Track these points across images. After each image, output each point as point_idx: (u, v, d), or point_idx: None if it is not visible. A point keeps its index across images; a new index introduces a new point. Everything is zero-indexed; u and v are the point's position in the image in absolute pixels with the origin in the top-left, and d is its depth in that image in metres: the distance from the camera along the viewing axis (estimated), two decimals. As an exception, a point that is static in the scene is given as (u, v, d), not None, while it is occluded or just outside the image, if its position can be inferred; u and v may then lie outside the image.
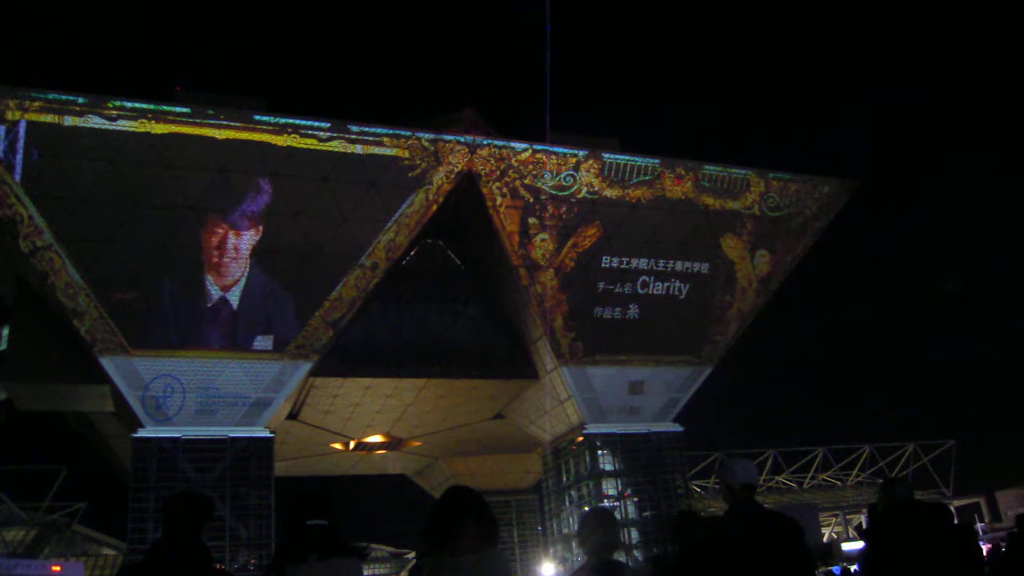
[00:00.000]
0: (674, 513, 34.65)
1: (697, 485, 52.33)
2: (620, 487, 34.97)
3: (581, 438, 35.37)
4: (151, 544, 4.88)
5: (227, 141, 28.50)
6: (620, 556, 5.01)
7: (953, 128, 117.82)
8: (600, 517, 5.11)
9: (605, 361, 34.06)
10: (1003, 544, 10.35)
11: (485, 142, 31.58)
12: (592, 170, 32.93)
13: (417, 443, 43.22)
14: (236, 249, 28.93)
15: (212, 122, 28.36)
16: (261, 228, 29.18)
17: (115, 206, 27.51)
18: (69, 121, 26.90)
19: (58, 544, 46.55)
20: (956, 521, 6.23)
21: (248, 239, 29.05)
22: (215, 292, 28.82)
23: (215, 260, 28.79)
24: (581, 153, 32.88)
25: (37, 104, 26.68)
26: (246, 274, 29.25)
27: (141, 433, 28.56)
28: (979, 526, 49.69)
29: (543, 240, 32.43)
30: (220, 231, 28.73)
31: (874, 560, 6.05)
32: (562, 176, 32.55)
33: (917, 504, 6.35)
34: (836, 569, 30.17)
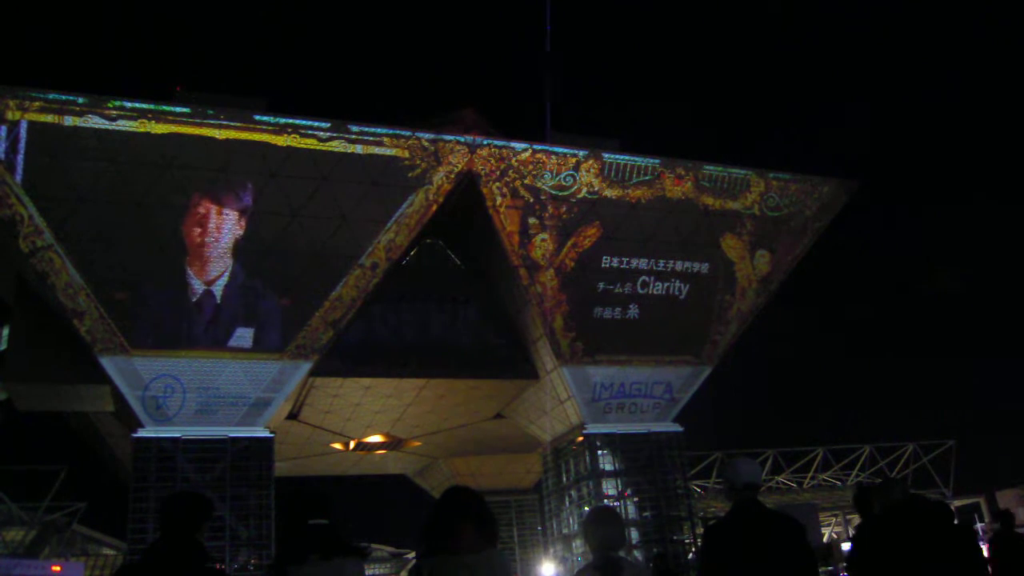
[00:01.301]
0: (674, 513, 34.71)
1: (697, 485, 52.29)
2: (620, 487, 34.91)
3: (581, 438, 35.33)
4: (149, 544, 4.87)
5: (227, 141, 28.47)
6: (623, 553, 5.01)
7: (953, 128, 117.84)
8: (601, 515, 5.13)
9: (605, 361, 34.04)
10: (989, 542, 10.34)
11: (485, 142, 31.55)
12: (592, 170, 32.91)
13: (417, 443, 43.22)
14: (217, 239, 28.81)
15: (212, 122, 28.32)
16: (244, 223, 29.09)
17: (115, 206, 27.48)
18: (69, 121, 26.86)
19: (58, 544, 46.50)
20: (956, 521, 6.22)
21: (232, 234, 28.94)
22: (199, 285, 28.67)
23: (200, 257, 28.69)
24: (581, 153, 32.85)
25: (37, 104, 26.63)
26: (243, 276, 29.21)
27: (141, 433, 28.48)
28: (978, 526, 49.69)
29: (543, 240, 32.41)
30: (206, 222, 28.62)
31: (873, 562, 6.04)
32: (562, 176, 32.53)
33: (914, 505, 6.32)
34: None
